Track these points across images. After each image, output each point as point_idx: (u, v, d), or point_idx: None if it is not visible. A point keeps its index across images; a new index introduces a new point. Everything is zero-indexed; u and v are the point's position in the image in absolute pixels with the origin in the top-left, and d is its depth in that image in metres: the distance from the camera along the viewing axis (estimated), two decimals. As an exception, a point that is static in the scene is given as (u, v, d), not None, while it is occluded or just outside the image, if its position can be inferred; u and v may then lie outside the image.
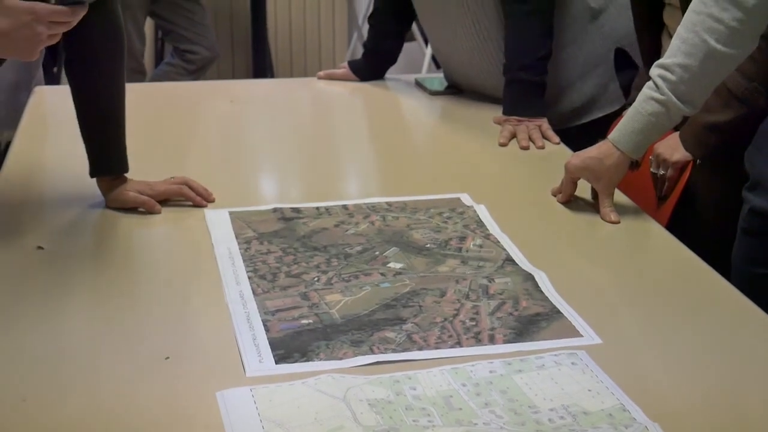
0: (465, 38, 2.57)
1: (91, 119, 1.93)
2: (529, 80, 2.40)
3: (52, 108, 2.66)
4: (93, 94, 1.92)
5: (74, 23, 1.56)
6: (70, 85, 1.92)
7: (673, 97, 1.88)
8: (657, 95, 1.90)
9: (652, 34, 2.29)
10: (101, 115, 1.93)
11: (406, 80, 2.84)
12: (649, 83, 1.92)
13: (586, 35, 2.53)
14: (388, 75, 2.86)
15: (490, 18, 2.50)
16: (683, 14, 2.02)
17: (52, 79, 4.61)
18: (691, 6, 1.89)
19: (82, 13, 1.56)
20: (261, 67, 4.92)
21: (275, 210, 1.93)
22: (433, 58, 4.62)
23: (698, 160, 2.12)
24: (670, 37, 2.07)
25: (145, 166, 2.00)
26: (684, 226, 2.02)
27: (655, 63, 1.93)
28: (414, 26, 4.66)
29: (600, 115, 2.56)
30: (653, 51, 2.28)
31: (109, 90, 1.93)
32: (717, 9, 1.84)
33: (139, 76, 4.36)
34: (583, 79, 2.55)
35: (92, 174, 1.93)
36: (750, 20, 1.84)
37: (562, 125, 2.46)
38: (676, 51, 1.89)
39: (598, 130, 2.38)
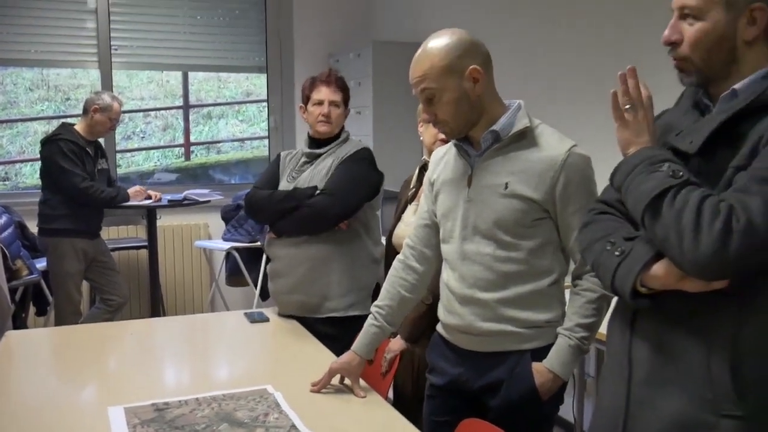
0: None
1: None
2: None
3: (18, 347, 2.44)
4: None
5: None
6: None
7: (384, 323, 1.93)
8: (375, 322, 1.94)
9: None
10: None
11: (239, 314, 2.77)
12: (371, 315, 1.96)
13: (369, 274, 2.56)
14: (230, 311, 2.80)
15: None
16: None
17: (19, 325, 4.24)
18: (390, 272, 1.98)
19: None
20: (156, 308, 4.70)
21: (153, 404, 1.80)
22: (261, 296, 4.51)
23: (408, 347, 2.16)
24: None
25: (74, 376, 1.85)
26: (396, 395, 2.03)
27: (373, 304, 1.98)
28: (247, 276, 4.60)
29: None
30: None
31: None
32: (404, 273, 1.94)
33: (77, 317, 4.08)
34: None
35: None
36: (421, 278, 1.94)
37: None
38: (384, 296, 1.96)
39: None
